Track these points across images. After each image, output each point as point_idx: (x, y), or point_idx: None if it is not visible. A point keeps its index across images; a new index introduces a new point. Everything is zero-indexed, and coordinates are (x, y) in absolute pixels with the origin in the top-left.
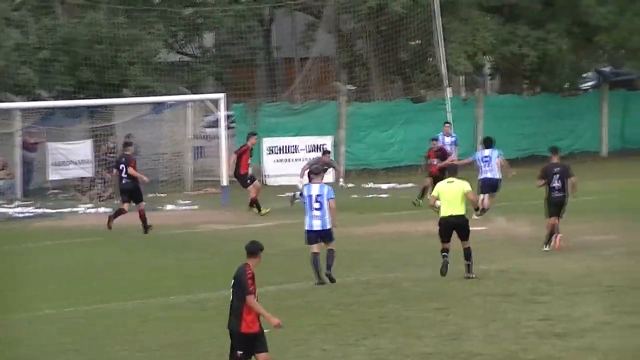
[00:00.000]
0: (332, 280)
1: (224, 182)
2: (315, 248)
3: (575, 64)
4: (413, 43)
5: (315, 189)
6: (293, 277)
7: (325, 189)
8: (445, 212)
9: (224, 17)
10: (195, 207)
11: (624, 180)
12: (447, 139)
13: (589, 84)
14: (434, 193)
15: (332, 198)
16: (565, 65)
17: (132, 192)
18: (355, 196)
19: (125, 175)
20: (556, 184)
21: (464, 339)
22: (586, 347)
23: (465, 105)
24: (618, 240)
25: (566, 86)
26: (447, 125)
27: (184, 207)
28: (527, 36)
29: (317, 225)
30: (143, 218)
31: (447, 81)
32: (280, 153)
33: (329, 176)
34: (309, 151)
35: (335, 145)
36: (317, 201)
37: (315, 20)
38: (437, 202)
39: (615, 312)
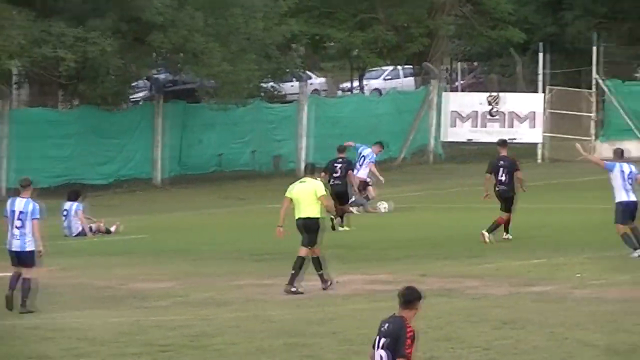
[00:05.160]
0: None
1: None
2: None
3: (123, 69)
4: None
5: (19, 204)
6: None
7: (30, 205)
8: (296, 214)
9: None
10: None
11: (180, 214)
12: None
13: (141, 94)
14: (287, 194)
15: (37, 218)
16: (109, 72)
17: None
18: None
19: None
20: (503, 177)
21: None
22: None
23: None
24: (175, 289)
25: (111, 97)
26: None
27: None
28: (63, 35)
29: (15, 245)
30: None
31: None
32: None
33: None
34: None
35: None
36: (19, 219)
37: None
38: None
39: None
